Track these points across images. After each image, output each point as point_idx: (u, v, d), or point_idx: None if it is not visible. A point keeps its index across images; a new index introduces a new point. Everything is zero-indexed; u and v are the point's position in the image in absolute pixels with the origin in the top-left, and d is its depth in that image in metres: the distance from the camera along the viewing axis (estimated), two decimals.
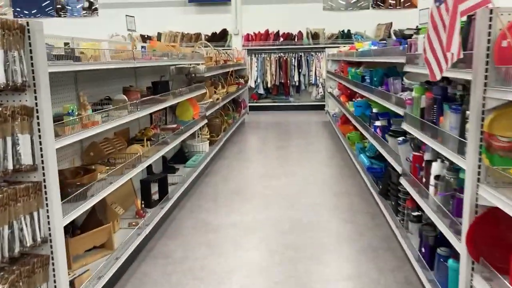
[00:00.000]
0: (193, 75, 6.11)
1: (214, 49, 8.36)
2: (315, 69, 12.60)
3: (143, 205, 4.09)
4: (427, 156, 3.09)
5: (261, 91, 12.85)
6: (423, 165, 3.08)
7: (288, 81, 12.68)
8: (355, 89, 5.96)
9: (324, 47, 12.48)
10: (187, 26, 13.17)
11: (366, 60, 5.07)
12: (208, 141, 6.70)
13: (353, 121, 6.29)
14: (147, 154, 3.94)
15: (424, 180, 3.04)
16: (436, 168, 2.85)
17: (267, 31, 12.73)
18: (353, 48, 6.73)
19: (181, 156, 5.96)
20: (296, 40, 12.66)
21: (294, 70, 12.61)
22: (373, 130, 4.80)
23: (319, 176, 5.97)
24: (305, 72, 12.63)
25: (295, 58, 12.59)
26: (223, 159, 7.08)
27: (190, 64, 6.11)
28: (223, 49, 9.74)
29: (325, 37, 12.74)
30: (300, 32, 12.74)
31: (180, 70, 6.04)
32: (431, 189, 2.88)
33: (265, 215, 4.62)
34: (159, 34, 12.91)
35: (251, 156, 7.37)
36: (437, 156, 2.94)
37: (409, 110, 3.38)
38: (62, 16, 13.62)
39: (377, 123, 4.73)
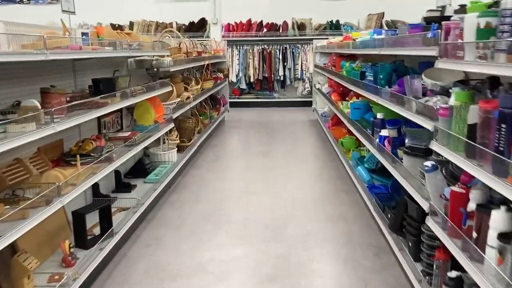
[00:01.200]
0: (156, 69, 4.97)
1: (187, 39, 7.21)
2: (301, 63, 11.51)
3: (72, 248, 2.97)
4: (476, 196, 2.04)
5: (243, 86, 11.73)
6: (473, 210, 2.02)
7: (273, 76, 11.58)
8: (352, 88, 4.90)
9: (311, 39, 11.39)
10: (163, 14, 11.94)
11: (369, 53, 3.99)
12: (177, 148, 5.58)
13: (348, 125, 5.23)
14: (75, 181, 2.81)
15: (475, 234, 1.98)
16: (501, 220, 1.80)
17: (249, 21, 11.59)
18: (347, 39, 5.66)
19: (141, 168, 4.83)
20: (281, 31, 11.55)
21: (279, 64, 11.51)
22: (378, 141, 3.74)
23: (309, 193, 4.91)
24: (291, 66, 11.54)
25: (279, 50, 11.49)
26: (195, 168, 5.96)
27: (153, 57, 4.97)
28: (199, 40, 8.58)
29: (312, 28, 11.65)
30: (285, 22, 11.63)
31: (141, 63, 4.90)
32: (491, 252, 1.83)
33: (242, 252, 3.54)
34: (131, 24, 11.66)
35: (229, 164, 6.26)
36: (498, 200, 1.89)
37: (443, 125, 2.31)
38: (25, 3, 12.25)
39: (384, 132, 3.67)
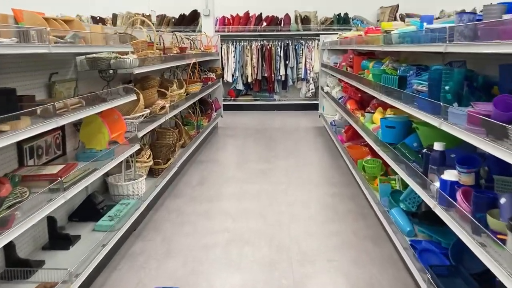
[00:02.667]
0: (113, 72, 3.57)
1: (169, 33, 5.84)
2: (305, 61, 10.11)
3: None
4: None
5: (240, 87, 10.33)
6: None
7: (273, 75, 10.18)
8: (383, 98, 3.50)
9: (317, 34, 9.98)
10: (151, 6, 10.52)
11: (423, 50, 2.57)
12: (148, 173, 4.21)
13: (375, 146, 3.84)
14: None
15: None
16: None
17: (247, 13, 10.18)
18: (372, 31, 4.27)
19: (91, 208, 3.45)
20: (282, 25, 10.14)
21: (280, 62, 10.10)
22: (439, 187, 2.36)
23: (322, 241, 3.53)
24: (293, 64, 10.14)
25: (281, 47, 10.08)
26: (173, 197, 4.58)
27: (112, 53, 3.58)
28: (186, 34, 7.18)
29: (318, 22, 10.24)
30: (287, 16, 10.22)
31: (94, 63, 3.50)
32: None
33: None
34: (115, 16, 10.25)
35: (218, 191, 4.87)
36: None
37: None
38: None
39: (450, 175, 2.29)
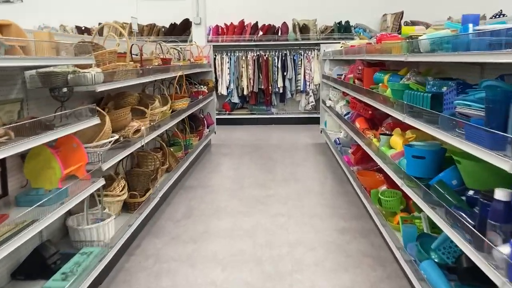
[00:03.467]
0: (68, 90, 2.84)
1: (152, 42, 5.16)
2: (304, 72, 9.42)
3: None
4: None
5: (236, 99, 9.62)
6: None
7: (270, 87, 9.48)
8: (408, 121, 2.78)
9: (317, 43, 9.32)
10: (140, 15, 9.84)
11: (476, 61, 1.86)
12: (114, 217, 3.47)
13: (395, 178, 3.12)
14: None
15: None
16: None
17: (242, 22, 9.50)
18: (387, 38, 3.56)
19: (41, 262, 2.69)
20: (279, 34, 9.47)
21: (278, 73, 9.41)
22: (511, 256, 1.63)
23: None
24: (292, 76, 9.44)
25: (278, 57, 9.40)
26: (152, 236, 3.82)
27: (71, 67, 2.87)
28: (174, 45, 6.48)
29: (317, 30, 9.57)
30: (284, 24, 9.55)
31: (48, 79, 2.78)
32: None
33: None
34: (101, 26, 9.53)
35: (207, 227, 4.12)
36: None
37: None
38: None
39: None
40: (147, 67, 4.04)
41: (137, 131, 3.53)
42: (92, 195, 3.13)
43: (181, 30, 9.35)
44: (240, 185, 5.23)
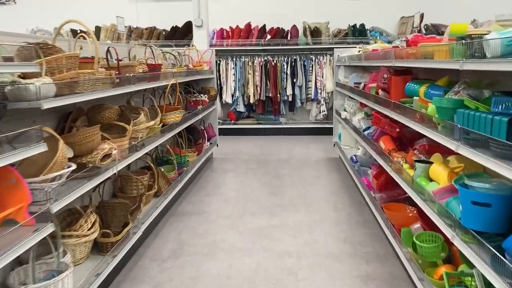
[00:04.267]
0: (1, 105, 2.11)
1: (142, 46, 4.46)
2: (316, 79, 8.65)
3: None
4: None
5: (241, 108, 8.88)
6: None
7: (278, 95, 8.72)
8: (475, 157, 1.98)
9: (329, 48, 8.56)
10: (140, 18, 9.20)
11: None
12: (71, 269, 2.73)
13: (445, 229, 2.32)
14: None
15: None
16: None
17: (248, 25, 8.78)
18: (425, 40, 2.79)
19: None
20: (289, 38, 8.72)
21: (287, 80, 8.65)
22: None
23: None
24: (302, 83, 8.68)
25: (287, 63, 8.64)
26: (130, 284, 3.07)
27: (12, 76, 2.14)
28: (167, 49, 5.76)
29: (330, 34, 8.81)
30: (294, 28, 8.81)
31: None
32: None
33: None
34: (98, 29, 8.89)
35: (195, 275, 3.35)
36: None
37: None
38: None
39: None
40: (128, 75, 3.30)
41: (108, 155, 2.79)
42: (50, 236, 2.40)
43: (183, 33, 8.65)
44: (242, 212, 4.46)
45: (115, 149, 2.85)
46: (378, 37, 8.60)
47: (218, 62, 8.70)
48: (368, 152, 4.59)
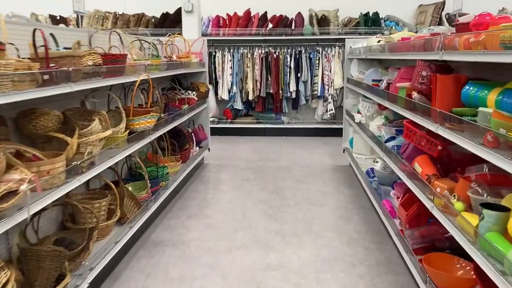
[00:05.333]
0: None
1: (104, 31, 3.50)
2: (323, 73, 7.65)
3: None
4: None
5: (239, 106, 7.90)
6: None
7: (280, 91, 7.73)
8: None
9: (338, 39, 7.58)
10: (127, 4, 8.20)
11: None
12: None
13: None
14: None
15: None
16: None
17: (248, 12, 7.76)
18: (499, 20, 1.83)
19: None
20: (293, 27, 7.70)
21: (290, 74, 7.65)
22: None
23: None
24: (307, 78, 7.68)
25: (291, 55, 7.64)
26: None
27: None
28: (139, 37, 4.77)
29: (339, 23, 7.78)
30: (299, 16, 7.79)
31: None
32: None
33: None
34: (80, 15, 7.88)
35: None
36: None
37: None
38: None
39: None
40: (66, 69, 2.32)
41: (13, 192, 1.82)
42: None
43: (175, 21, 7.64)
44: (230, 243, 3.50)
45: (29, 181, 1.88)
46: (393, 27, 7.58)
47: (214, 53, 7.71)
48: (389, 166, 3.62)
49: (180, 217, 4.05)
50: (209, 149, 6.01)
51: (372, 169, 4.25)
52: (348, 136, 5.75)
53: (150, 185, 3.68)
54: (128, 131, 3.29)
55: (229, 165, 5.92)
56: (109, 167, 3.07)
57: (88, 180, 3.10)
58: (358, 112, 4.80)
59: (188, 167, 4.96)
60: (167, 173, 4.18)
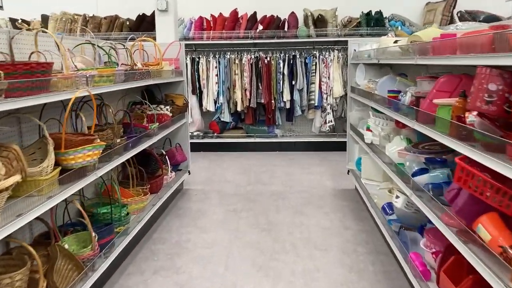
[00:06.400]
0: None
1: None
2: (320, 80, 6.73)
3: None
4: None
5: (226, 118, 6.95)
6: None
7: (273, 101, 6.80)
8: None
9: (337, 41, 6.70)
10: (100, 5, 7.25)
11: None
12: None
13: None
14: None
15: None
16: None
17: (235, 13, 6.84)
18: None
19: None
20: (286, 28, 6.79)
21: (283, 82, 6.73)
22: None
23: None
24: (302, 86, 6.75)
25: (284, 60, 6.72)
26: None
27: None
28: (116, 43, 3.81)
29: (338, 23, 6.89)
30: (293, 16, 6.88)
31: None
32: None
33: None
34: (45, 18, 6.95)
35: None
36: None
37: None
38: None
39: None
40: None
41: None
42: None
43: (151, 24, 6.69)
44: None
45: None
46: (399, 28, 6.69)
47: (197, 59, 6.78)
48: (413, 203, 2.70)
49: (144, 272, 3.09)
50: (189, 172, 5.06)
51: (389, 204, 3.32)
52: (353, 156, 4.83)
53: (97, 237, 2.71)
54: (59, 169, 2.34)
55: (213, 190, 4.98)
56: (37, 218, 2.14)
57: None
58: (368, 128, 3.87)
59: (161, 198, 4.01)
60: (127, 214, 3.22)
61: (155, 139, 3.84)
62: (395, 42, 3.26)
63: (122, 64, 3.43)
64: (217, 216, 4.16)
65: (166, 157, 4.37)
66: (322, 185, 5.10)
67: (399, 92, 3.17)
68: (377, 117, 3.69)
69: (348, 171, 4.96)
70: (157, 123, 3.90)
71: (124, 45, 3.80)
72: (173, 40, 4.78)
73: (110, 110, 3.07)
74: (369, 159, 4.02)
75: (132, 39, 4.13)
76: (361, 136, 4.23)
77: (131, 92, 4.28)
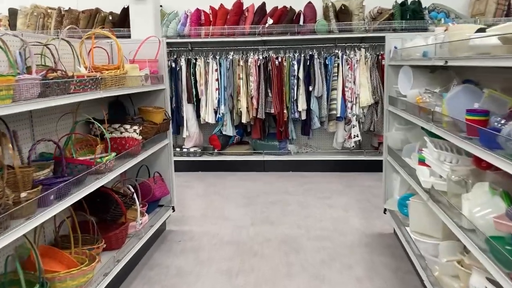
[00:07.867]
0: None
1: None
2: (343, 86, 5.46)
3: None
4: None
5: (229, 131, 5.73)
6: None
7: (285, 111, 5.55)
8: None
9: (364, 38, 5.44)
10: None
11: None
12: None
13: None
14: None
15: None
16: None
17: (239, 4, 5.62)
18: None
19: None
20: (301, 22, 5.53)
21: (298, 88, 5.49)
22: None
23: None
24: (321, 92, 5.50)
25: (299, 61, 5.47)
26: None
27: None
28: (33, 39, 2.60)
29: (365, 16, 5.61)
30: (310, 7, 5.63)
31: None
32: None
33: None
34: (14, 12, 5.84)
35: None
36: None
37: None
38: None
39: None
40: None
41: None
42: None
43: None
44: None
45: None
46: (442, 20, 5.38)
47: (193, 61, 5.59)
48: None
49: None
50: (173, 208, 3.85)
51: None
52: (393, 190, 3.55)
53: None
54: None
55: (204, 234, 3.75)
56: None
57: None
58: (422, 161, 2.58)
59: (125, 254, 2.82)
60: None
61: (110, 177, 2.63)
62: (480, 30, 1.98)
63: (50, 69, 2.23)
64: (202, 283, 2.92)
65: (135, 195, 3.16)
66: (349, 227, 3.83)
67: (487, 113, 1.90)
68: (439, 148, 2.41)
69: (385, 209, 3.69)
70: (114, 153, 2.69)
71: (69, 43, 2.60)
72: (150, 35, 3.58)
73: (14, 145, 1.87)
74: (422, 206, 2.73)
75: (123, 37, 2.95)
76: (405, 166, 2.97)
77: (90, 106, 3.10)
